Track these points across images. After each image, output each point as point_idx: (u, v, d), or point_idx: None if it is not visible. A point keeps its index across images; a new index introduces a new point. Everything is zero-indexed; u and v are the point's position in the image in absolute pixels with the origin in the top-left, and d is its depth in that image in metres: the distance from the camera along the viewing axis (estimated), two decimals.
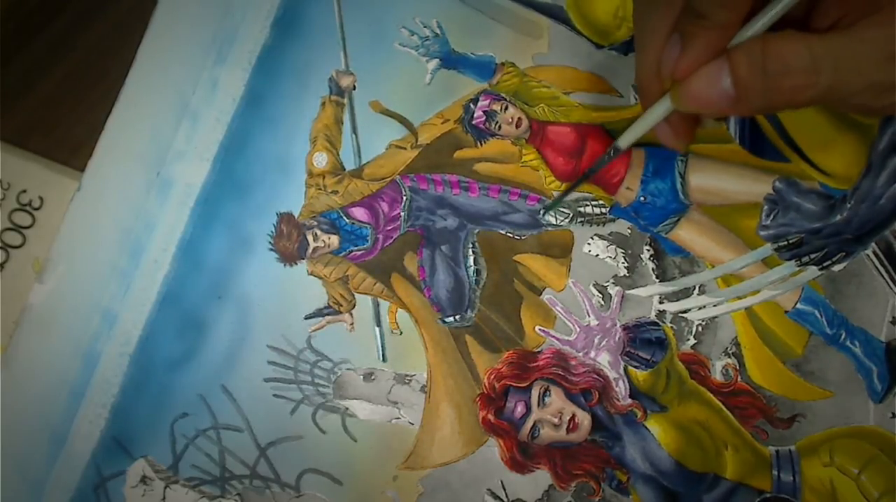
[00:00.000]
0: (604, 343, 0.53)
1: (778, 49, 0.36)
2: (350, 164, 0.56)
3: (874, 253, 0.52)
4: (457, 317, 0.54)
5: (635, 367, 0.52)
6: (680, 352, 0.53)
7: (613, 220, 0.54)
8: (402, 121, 0.56)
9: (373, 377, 0.54)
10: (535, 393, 0.52)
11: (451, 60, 0.55)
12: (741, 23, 0.38)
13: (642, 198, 0.54)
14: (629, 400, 0.52)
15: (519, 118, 0.55)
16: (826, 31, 0.38)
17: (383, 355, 0.54)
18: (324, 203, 0.55)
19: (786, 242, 0.52)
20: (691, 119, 0.43)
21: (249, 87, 0.55)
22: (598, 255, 0.54)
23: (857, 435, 0.52)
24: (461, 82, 0.56)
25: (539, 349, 0.54)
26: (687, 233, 0.54)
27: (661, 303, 0.54)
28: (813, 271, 0.52)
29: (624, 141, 0.44)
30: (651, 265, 0.54)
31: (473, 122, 0.55)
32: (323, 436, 0.54)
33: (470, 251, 0.55)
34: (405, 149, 0.56)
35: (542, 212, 0.54)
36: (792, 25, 0.37)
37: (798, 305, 0.52)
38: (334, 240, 0.55)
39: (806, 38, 0.36)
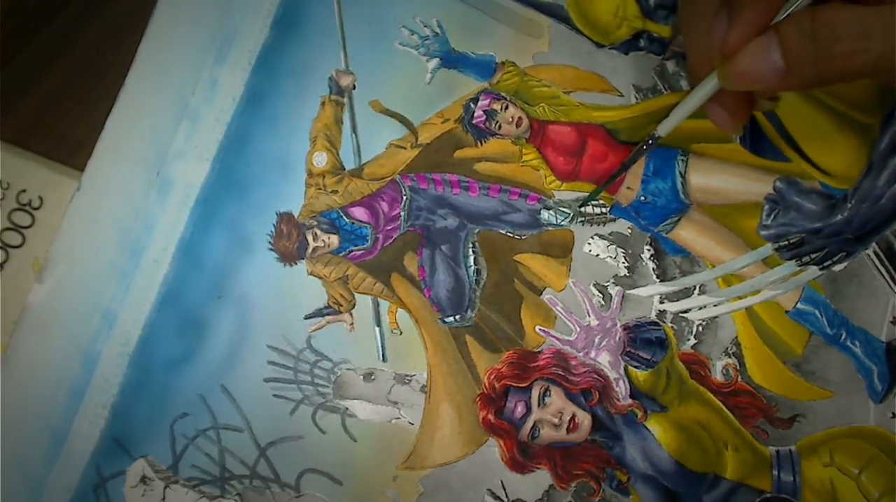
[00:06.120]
0: (604, 343, 0.53)
1: (827, 17, 0.36)
2: (350, 164, 0.56)
3: (875, 253, 0.52)
4: (457, 316, 0.54)
5: (635, 367, 0.52)
6: (680, 352, 0.53)
7: (614, 220, 0.54)
8: (402, 120, 0.55)
9: (373, 377, 0.54)
10: (535, 393, 0.52)
11: (452, 60, 0.55)
12: None
13: (643, 198, 0.54)
14: (629, 401, 0.52)
15: (519, 117, 0.55)
16: (875, 2, 0.37)
17: (383, 355, 0.54)
18: (324, 203, 0.55)
19: (786, 242, 0.52)
20: (745, 99, 0.42)
21: (249, 87, 0.55)
22: (598, 255, 0.54)
23: (857, 436, 0.51)
24: (461, 82, 0.55)
25: (539, 349, 0.54)
26: (687, 233, 0.54)
27: (661, 302, 0.54)
28: (813, 271, 0.52)
29: (666, 126, 0.42)
30: (651, 265, 0.54)
31: (473, 122, 0.55)
32: (323, 436, 0.54)
33: (470, 251, 0.55)
34: (405, 148, 0.56)
35: (580, 205, 0.54)
36: None
37: (798, 305, 0.52)
38: (334, 239, 0.55)
39: (854, 7, 0.36)
